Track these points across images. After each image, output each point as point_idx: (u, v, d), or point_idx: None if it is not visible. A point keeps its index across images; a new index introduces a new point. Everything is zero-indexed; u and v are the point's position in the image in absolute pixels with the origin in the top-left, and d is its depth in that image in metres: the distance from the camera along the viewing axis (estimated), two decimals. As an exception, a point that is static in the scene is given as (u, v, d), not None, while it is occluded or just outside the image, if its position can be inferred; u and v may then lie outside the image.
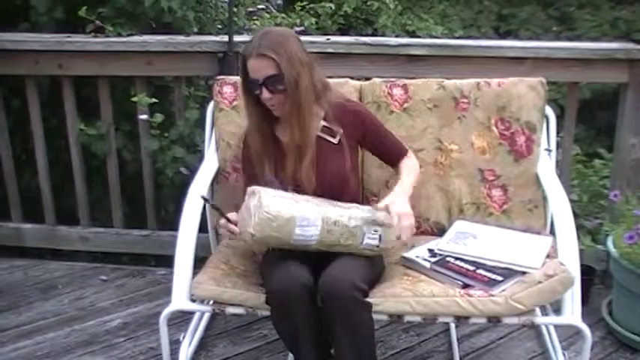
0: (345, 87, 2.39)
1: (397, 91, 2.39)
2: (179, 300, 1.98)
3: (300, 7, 4.80)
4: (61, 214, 3.22)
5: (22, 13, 3.09)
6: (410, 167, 2.15)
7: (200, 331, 2.52)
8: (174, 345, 2.10)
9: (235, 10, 3.33)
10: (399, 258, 2.12)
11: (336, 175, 2.04)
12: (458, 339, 2.51)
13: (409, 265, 2.10)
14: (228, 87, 2.43)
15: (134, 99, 2.89)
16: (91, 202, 3.21)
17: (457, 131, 2.37)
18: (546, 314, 2.16)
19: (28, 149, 3.21)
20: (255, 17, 4.00)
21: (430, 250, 2.14)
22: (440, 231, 2.33)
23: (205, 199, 2.05)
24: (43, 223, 3.20)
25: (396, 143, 2.19)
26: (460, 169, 2.36)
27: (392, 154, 2.18)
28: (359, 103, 2.27)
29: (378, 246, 1.95)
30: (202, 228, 2.20)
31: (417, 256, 2.11)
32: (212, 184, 2.39)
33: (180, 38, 2.90)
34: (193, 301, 2.03)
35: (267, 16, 4.21)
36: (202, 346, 2.49)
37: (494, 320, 1.93)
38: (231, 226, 1.94)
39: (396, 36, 5.59)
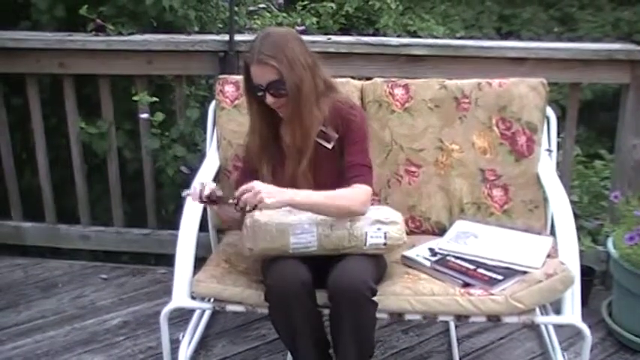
0: (347, 86, 2.39)
1: (398, 91, 2.39)
2: (180, 297, 1.99)
3: (301, 7, 4.79)
4: (62, 212, 3.22)
5: (23, 12, 3.09)
6: (343, 195, 1.93)
7: (200, 331, 2.52)
8: (174, 344, 2.10)
9: (236, 9, 3.33)
10: (400, 257, 2.12)
11: (329, 180, 2.02)
12: (458, 339, 2.51)
13: (410, 263, 2.11)
14: (230, 86, 2.43)
15: (135, 98, 2.89)
16: (92, 200, 3.21)
17: (458, 131, 2.37)
18: (546, 314, 2.16)
19: (28, 148, 3.21)
20: (256, 16, 4.00)
21: (431, 249, 2.15)
22: (441, 230, 2.33)
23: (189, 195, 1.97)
24: (44, 221, 3.20)
25: (361, 168, 2.00)
26: (461, 168, 2.36)
27: (348, 172, 2.00)
28: (359, 112, 2.09)
29: (385, 244, 1.95)
30: (203, 227, 2.20)
31: (417, 255, 2.11)
32: (213, 182, 2.39)
33: (182, 37, 2.90)
34: (194, 298, 2.03)
35: (268, 15, 4.20)
36: (202, 346, 2.49)
37: (494, 319, 1.93)
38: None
39: (398, 36, 5.58)
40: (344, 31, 5.43)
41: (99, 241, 3.17)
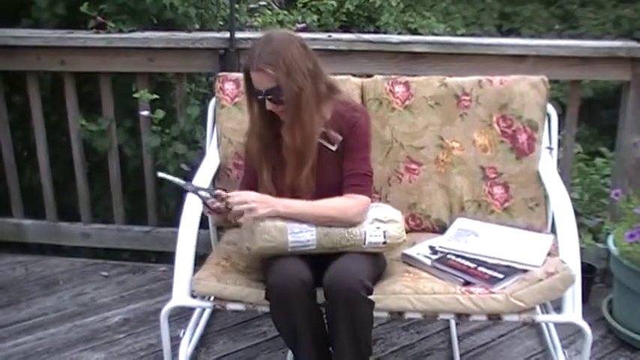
0: (347, 84, 2.38)
1: (399, 89, 2.38)
2: (180, 296, 1.99)
3: (302, 4, 4.79)
4: (62, 210, 3.22)
5: (23, 9, 3.09)
6: (338, 206, 1.93)
7: (200, 328, 2.52)
8: (174, 341, 2.10)
9: (237, 6, 3.33)
10: (400, 255, 2.12)
11: (332, 182, 2.01)
12: (458, 337, 2.51)
13: (410, 262, 2.10)
14: (230, 83, 2.43)
15: (135, 95, 2.89)
16: (92, 198, 3.21)
17: (459, 129, 2.36)
18: (547, 312, 2.16)
19: (29, 145, 3.21)
20: (257, 14, 4.00)
21: (431, 248, 2.14)
22: (441, 228, 2.33)
23: (164, 177, 1.98)
24: (44, 219, 3.20)
25: (360, 177, 2.00)
26: (461, 166, 2.36)
27: (347, 180, 2.00)
28: (363, 115, 2.07)
29: (384, 242, 1.95)
30: (203, 224, 2.20)
31: (418, 254, 2.11)
32: (213, 180, 2.39)
33: (182, 35, 2.90)
34: (194, 297, 2.03)
35: (269, 12, 4.20)
36: (202, 343, 2.49)
37: (494, 318, 1.93)
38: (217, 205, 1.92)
39: (398, 33, 5.58)
40: (345, 29, 5.43)
41: (100, 238, 3.17)
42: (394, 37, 2.83)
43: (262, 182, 2.04)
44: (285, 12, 4.48)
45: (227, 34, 2.80)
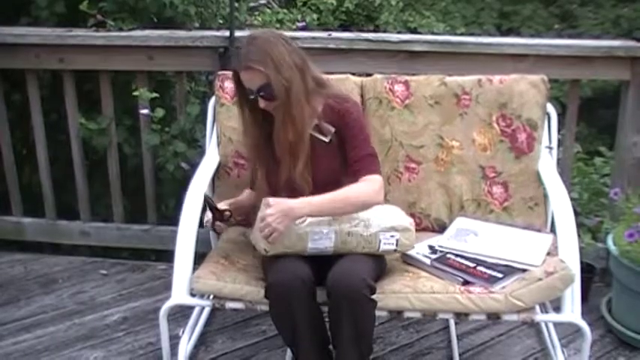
0: (346, 83, 2.39)
1: (398, 88, 2.38)
2: (179, 294, 1.99)
3: (301, 3, 4.79)
4: (62, 208, 3.22)
5: (23, 8, 3.08)
6: (355, 191, 1.95)
7: (199, 327, 2.52)
8: (174, 340, 2.10)
9: (237, 5, 3.32)
10: (400, 254, 2.12)
11: (329, 175, 2.02)
12: (457, 336, 2.51)
13: (410, 261, 2.11)
14: (230, 82, 2.41)
15: (135, 93, 2.89)
16: (92, 196, 3.21)
17: (458, 128, 2.36)
18: (546, 312, 2.16)
19: (28, 143, 3.21)
20: (257, 12, 3.99)
21: (431, 247, 2.14)
22: (440, 228, 2.33)
23: (208, 200, 2.07)
24: (44, 217, 3.20)
25: (366, 159, 2.01)
26: (461, 165, 2.36)
27: (354, 166, 2.00)
28: (352, 104, 2.08)
29: (395, 250, 1.99)
30: (202, 223, 2.20)
31: (417, 253, 2.11)
32: (213, 179, 2.39)
33: (182, 33, 2.89)
34: (193, 295, 2.03)
35: (269, 11, 4.20)
36: (201, 341, 2.49)
37: (493, 317, 1.93)
38: (218, 224, 2.05)
39: (398, 32, 5.58)
40: (344, 28, 5.43)
41: (99, 236, 3.17)
42: (394, 36, 2.82)
43: (257, 183, 2.05)
44: (285, 10, 4.49)
45: (227, 33, 2.80)
